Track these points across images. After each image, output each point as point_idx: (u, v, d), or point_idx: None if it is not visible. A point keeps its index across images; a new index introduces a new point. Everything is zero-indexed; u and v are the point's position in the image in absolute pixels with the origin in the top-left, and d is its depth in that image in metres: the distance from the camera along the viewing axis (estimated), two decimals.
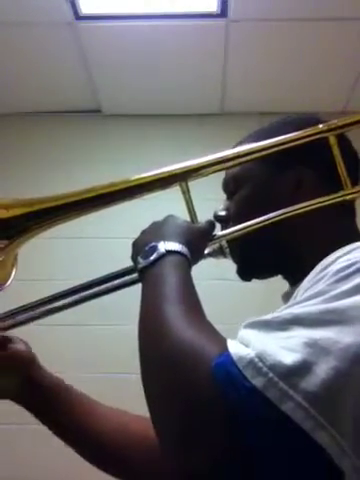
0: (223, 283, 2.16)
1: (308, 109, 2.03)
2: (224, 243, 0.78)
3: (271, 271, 0.80)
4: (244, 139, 0.81)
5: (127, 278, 0.82)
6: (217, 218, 0.80)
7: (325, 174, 0.75)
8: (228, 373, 0.47)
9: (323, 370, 0.45)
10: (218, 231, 0.78)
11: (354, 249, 0.57)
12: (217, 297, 2.15)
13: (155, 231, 0.71)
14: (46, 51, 2.27)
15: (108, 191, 0.77)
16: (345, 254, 0.56)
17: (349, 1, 2.01)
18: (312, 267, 0.59)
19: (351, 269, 0.52)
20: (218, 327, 0.55)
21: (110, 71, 2.39)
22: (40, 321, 0.90)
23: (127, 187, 0.77)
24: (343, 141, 0.76)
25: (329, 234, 0.72)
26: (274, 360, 0.46)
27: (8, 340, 0.90)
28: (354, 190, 0.75)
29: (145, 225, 0.75)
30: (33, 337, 0.94)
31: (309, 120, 0.78)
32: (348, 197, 0.74)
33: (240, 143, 0.81)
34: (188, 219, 0.76)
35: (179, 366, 0.50)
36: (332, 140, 0.74)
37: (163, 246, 0.65)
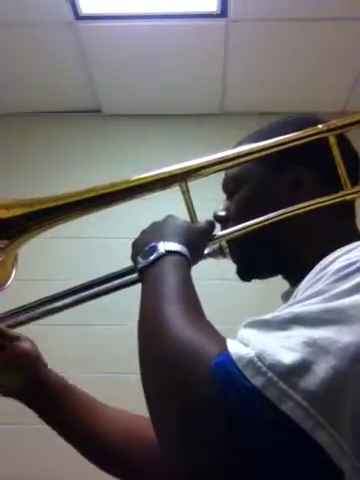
0: (223, 283, 2.16)
1: (308, 109, 2.03)
2: (224, 243, 0.78)
3: (271, 271, 0.80)
4: (244, 139, 0.81)
5: (127, 278, 0.83)
6: (217, 218, 0.80)
7: (325, 174, 0.75)
8: (227, 372, 0.47)
9: (322, 369, 0.45)
10: (218, 231, 0.78)
11: (354, 248, 0.57)
12: (217, 297, 2.15)
13: (155, 231, 0.71)
14: (46, 51, 2.27)
15: (108, 191, 0.77)
16: (344, 253, 0.56)
17: (349, 1, 2.01)
18: (312, 267, 0.59)
19: (351, 268, 0.52)
20: (218, 327, 0.55)
21: (110, 71, 2.39)
22: (40, 321, 0.90)
23: (127, 187, 0.77)
24: (343, 141, 0.76)
25: (329, 234, 0.72)
26: (273, 360, 0.46)
27: (14, 338, 0.91)
28: (354, 190, 0.75)
29: (145, 225, 0.75)
30: (33, 337, 0.94)
31: (309, 120, 0.78)
32: (348, 197, 0.74)
33: (240, 143, 0.81)
34: (188, 219, 0.76)
35: (178, 366, 0.50)
36: (332, 140, 0.74)
37: (163, 246, 0.66)
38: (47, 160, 2.58)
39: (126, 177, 0.77)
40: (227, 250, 0.79)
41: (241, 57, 2.29)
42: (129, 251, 0.72)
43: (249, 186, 0.78)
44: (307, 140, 0.75)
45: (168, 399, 0.51)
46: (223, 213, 0.80)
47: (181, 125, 2.62)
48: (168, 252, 0.65)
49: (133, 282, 0.80)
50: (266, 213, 0.74)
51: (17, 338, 0.91)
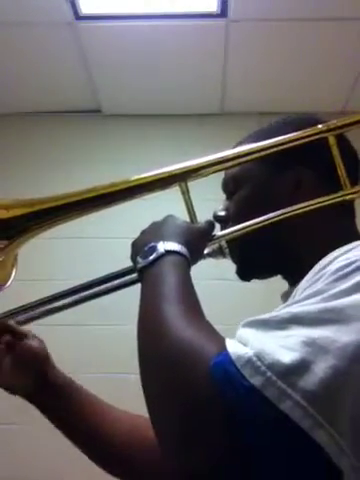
0: (223, 283, 2.16)
1: (308, 109, 2.03)
2: (223, 243, 0.78)
3: (270, 271, 0.80)
4: (243, 139, 0.81)
5: (127, 278, 0.83)
6: (216, 218, 0.80)
7: (325, 174, 0.75)
8: (226, 372, 0.47)
9: (321, 369, 0.45)
10: (217, 231, 0.78)
11: (353, 248, 0.57)
12: (217, 297, 2.15)
13: (154, 231, 0.71)
14: (46, 51, 2.27)
15: (108, 191, 0.77)
16: (343, 253, 0.56)
17: (349, 1, 2.01)
18: (311, 267, 0.59)
19: (350, 268, 0.52)
20: (217, 327, 0.55)
21: (110, 71, 2.39)
22: (40, 321, 0.90)
23: (127, 187, 0.77)
24: (342, 141, 0.76)
25: (328, 234, 0.72)
26: (272, 359, 0.46)
27: (24, 335, 0.91)
28: (353, 190, 0.75)
29: (145, 225, 0.75)
30: None
31: (309, 120, 0.78)
32: (347, 197, 0.74)
33: (239, 143, 0.81)
34: (188, 219, 0.76)
35: (178, 365, 0.50)
36: (331, 140, 0.74)
37: (162, 246, 0.66)
38: (47, 160, 2.58)
39: (126, 177, 0.77)
40: (227, 250, 0.79)
41: (241, 57, 2.29)
42: (129, 251, 0.72)
43: (249, 186, 0.78)
44: (307, 140, 0.75)
45: (167, 399, 0.51)
46: (223, 213, 0.80)
47: (181, 125, 2.62)
48: (168, 252, 0.65)
49: (133, 282, 0.80)
50: (266, 213, 0.74)
51: (26, 336, 0.91)
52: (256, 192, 0.78)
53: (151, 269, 0.64)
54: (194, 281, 0.64)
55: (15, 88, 2.50)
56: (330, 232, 0.73)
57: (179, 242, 0.67)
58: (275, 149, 0.75)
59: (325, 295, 0.51)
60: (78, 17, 2.09)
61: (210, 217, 0.79)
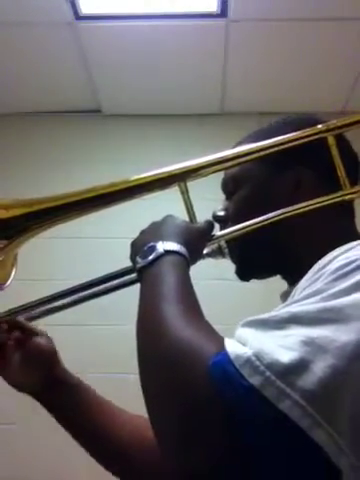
0: (222, 283, 2.16)
1: (308, 109, 2.03)
2: (223, 243, 0.78)
3: (270, 271, 0.80)
4: (243, 139, 0.81)
5: (126, 278, 0.83)
6: (216, 218, 0.80)
7: (324, 174, 0.75)
8: (225, 372, 0.47)
9: (320, 368, 0.45)
10: (217, 231, 0.78)
11: (352, 247, 0.57)
12: (216, 297, 2.15)
13: (154, 231, 0.71)
14: (46, 51, 2.28)
15: (108, 191, 0.77)
16: (343, 253, 0.56)
17: (349, 1, 2.01)
18: (310, 267, 0.59)
19: (349, 267, 0.52)
20: (217, 327, 0.55)
21: (110, 71, 2.39)
22: (39, 321, 0.90)
23: (127, 187, 0.77)
24: (342, 141, 0.76)
25: (328, 234, 0.72)
26: (271, 359, 0.46)
27: (34, 332, 0.91)
28: (353, 190, 0.75)
29: (144, 225, 0.75)
30: None
31: (308, 120, 0.78)
32: (347, 197, 0.74)
33: (239, 143, 0.81)
34: (187, 219, 0.76)
35: (177, 365, 0.50)
36: (331, 140, 0.74)
37: (162, 246, 0.66)
38: (47, 160, 2.58)
39: (126, 177, 0.77)
40: (226, 250, 0.79)
41: (241, 57, 2.29)
42: (128, 251, 0.72)
43: (248, 186, 0.78)
44: (306, 140, 0.75)
45: (166, 399, 0.51)
46: (222, 213, 0.80)
47: (181, 125, 2.62)
48: (167, 252, 0.65)
49: (132, 282, 0.80)
50: (265, 213, 0.74)
51: (36, 333, 0.91)
52: (256, 192, 0.78)
53: (150, 269, 0.64)
54: (193, 281, 0.63)
55: (15, 88, 2.50)
56: (329, 232, 0.73)
57: (178, 242, 0.67)
58: (274, 149, 0.75)
59: (324, 294, 0.51)
60: (78, 17, 2.09)
61: (209, 217, 0.79)
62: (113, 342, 2.25)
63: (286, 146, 0.75)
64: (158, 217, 0.75)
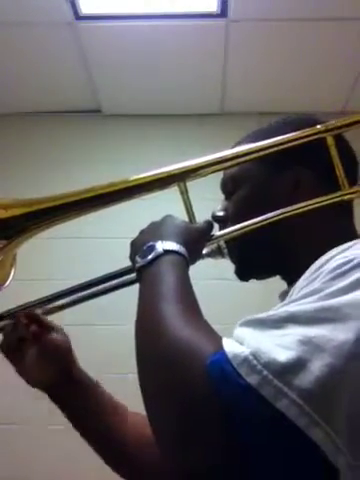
0: (221, 283, 2.16)
1: (308, 109, 2.03)
2: (222, 243, 0.78)
3: (269, 271, 0.80)
4: (242, 139, 0.81)
5: (125, 278, 0.83)
6: (215, 218, 0.80)
7: (323, 174, 0.75)
8: (223, 371, 0.47)
9: (317, 367, 0.46)
10: (216, 231, 0.78)
11: (350, 247, 0.57)
12: (215, 297, 2.15)
13: (153, 231, 0.71)
14: (46, 51, 2.28)
15: (107, 191, 0.77)
16: (341, 252, 0.56)
17: (349, 1, 2.01)
18: (309, 267, 0.59)
19: (347, 266, 0.52)
20: (216, 327, 0.55)
21: (110, 71, 2.39)
22: None
23: (126, 187, 0.77)
24: (341, 142, 0.76)
25: (327, 234, 0.72)
26: (269, 358, 0.47)
27: (51, 327, 0.90)
28: (352, 190, 0.75)
29: (144, 225, 0.75)
30: None
31: (308, 120, 0.78)
32: (346, 197, 0.74)
33: (238, 143, 0.81)
34: (186, 219, 0.76)
35: (175, 364, 0.51)
36: (330, 141, 0.74)
37: (161, 246, 0.66)
38: (47, 160, 2.58)
39: (125, 177, 0.77)
40: (225, 250, 0.79)
41: (241, 57, 2.29)
42: (127, 251, 0.72)
43: (248, 186, 0.78)
44: (305, 140, 0.75)
45: (165, 398, 0.51)
46: (221, 213, 0.80)
47: (181, 125, 2.62)
48: (166, 251, 0.65)
49: (131, 282, 0.80)
50: (264, 213, 0.74)
51: (53, 328, 0.90)
52: (255, 192, 0.78)
53: (149, 268, 0.64)
54: (192, 281, 0.64)
55: (15, 88, 2.50)
56: (328, 232, 0.73)
57: (178, 242, 0.67)
58: (274, 149, 0.75)
59: (322, 294, 0.51)
60: (78, 17, 2.09)
61: (209, 217, 0.79)
62: (112, 342, 2.25)
63: (285, 146, 0.75)
64: (157, 217, 0.76)
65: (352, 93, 2.47)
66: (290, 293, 0.62)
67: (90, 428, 0.90)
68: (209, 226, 0.77)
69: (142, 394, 0.55)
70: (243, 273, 0.81)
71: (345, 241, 0.60)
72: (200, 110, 2.63)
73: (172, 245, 0.66)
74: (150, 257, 0.65)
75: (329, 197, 0.73)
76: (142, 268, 0.65)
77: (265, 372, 0.46)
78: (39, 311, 0.89)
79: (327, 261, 0.56)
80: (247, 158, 0.76)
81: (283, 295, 0.74)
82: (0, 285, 0.82)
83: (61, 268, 2.38)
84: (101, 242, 2.46)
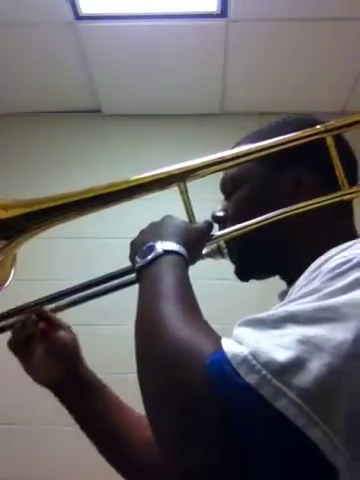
0: (221, 283, 2.16)
1: (308, 109, 2.03)
2: (222, 243, 0.78)
3: (269, 271, 0.80)
4: (242, 140, 0.81)
5: (126, 278, 0.83)
6: (215, 218, 0.80)
7: (323, 175, 0.75)
8: (222, 370, 0.47)
9: (316, 367, 0.46)
10: (216, 231, 0.78)
11: (350, 246, 0.57)
12: (215, 297, 2.15)
13: (153, 231, 0.71)
14: (46, 51, 2.28)
15: (107, 191, 0.77)
16: (340, 251, 0.56)
17: (349, 1, 2.01)
18: (309, 267, 0.59)
19: (346, 266, 0.52)
20: (216, 327, 0.55)
21: (110, 71, 2.39)
22: None
23: (126, 187, 0.77)
24: (340, 142, 0.76)
25: (327, 234, 0.72)
26: (268, 357, 0.47)
27: (59, 325, 0.90)
28: (352, 190, 0.75)
29: (143, 225, 0.75)
30: None
31: (307, 121, 0.78)
32: (346, 197, 0.75)
33: (238, 144, 0.81)
34: (186, 219, 0.76)
35: (175, 364, 0.51)
36: (329, 141, 0.75)
37: (161, 246, 0.66)
38: (47, 160, 2.58)
39: (125, 177, 0.77)
40: (225, 250, 0.79)
41: (241, 57, 2.29)
42: (127, 251, 0.72)
43: (248, 186, 0.78)
44: (305, 140, 0.75)
45: (164, 398, 0.51)
46: (221, 213, 0.80)
47: (181, 125, 2.62)
48: (166, 252, 0.65)
49: (131, 282, 0.80)
50: (264, 213, 0.74)
51: (61, 326, 0.90)
52: (255, 192, 0.78)
53: (149, 268, 0.64)
54: (192, 281, 0.64)
55: (15, 88, 2.50)
56: (328, 232, 0.73)
57: (177, 242, 0.67)
58: (274, 149, 0.75)
59: (321, 293, 0.51)
60: (78, 17, 2.10)
61: (208, 217, 0.79)
62: (112, 342, 2.25)
63: (285, 146, 0.75)
64: (157, 217, 0.76)
65: (352, 93, 2.47)
66: (289, 293, 0.62)
67: (97, 429, 0.90)
68: (209, 226, 0.77)
69: (142, 394, 0.55)
70: (243, 273, 0.81)
71: (345, 241, 0.60)
72: (200, 110, 2.63)
73: (172, 245, 0.66)
74: (150, 257, 0.65)
75: (329, 197, 0.74)
76: (142, 268, 0.65)
77: (264, 372, 0.46)
78: (48, 308, 0.89)
79: (326, 261, 0.56)
80: (247, 158, 0.76)
81: (282, 295, 0.74)
82: (0, 285, 0.82)
83: (61, 268, 2.38)
84: (101, 242, 2.46)
